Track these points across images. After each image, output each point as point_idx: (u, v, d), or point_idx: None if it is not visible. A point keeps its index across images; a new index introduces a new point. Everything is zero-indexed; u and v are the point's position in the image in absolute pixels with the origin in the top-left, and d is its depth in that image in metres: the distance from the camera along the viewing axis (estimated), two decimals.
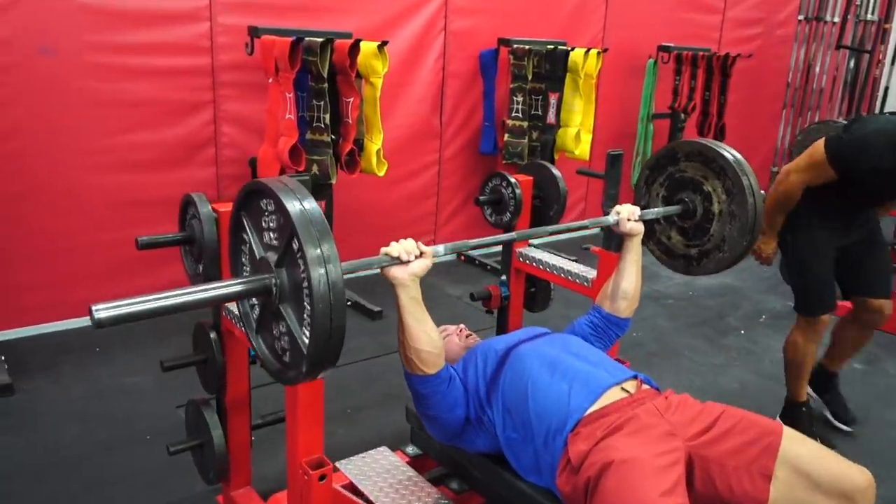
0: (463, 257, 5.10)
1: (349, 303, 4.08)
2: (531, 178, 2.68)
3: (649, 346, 3.82)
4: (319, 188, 3.66)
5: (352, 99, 3.40)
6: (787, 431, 1.63)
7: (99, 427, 2.74)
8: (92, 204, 3.53)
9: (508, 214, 2.65)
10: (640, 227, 2.06)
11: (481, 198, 2.67)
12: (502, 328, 2.85)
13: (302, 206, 1.28)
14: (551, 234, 1.95)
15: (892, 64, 7.24)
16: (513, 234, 1.88)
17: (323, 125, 3.36)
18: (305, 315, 1.30)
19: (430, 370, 1.72)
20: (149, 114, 3.62)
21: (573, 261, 2.63)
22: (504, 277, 2.79)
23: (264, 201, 1.39)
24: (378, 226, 4.62)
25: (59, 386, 3.04)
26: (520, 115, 4.65)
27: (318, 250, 1.25)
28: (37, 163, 3.35)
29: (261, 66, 3.43)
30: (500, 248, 2.77)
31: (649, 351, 3.75)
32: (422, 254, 1.61)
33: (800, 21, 7.03)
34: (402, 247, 1.59)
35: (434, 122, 4.74)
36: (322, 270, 1.24)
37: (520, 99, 4.66)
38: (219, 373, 2.09)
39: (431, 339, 1.69)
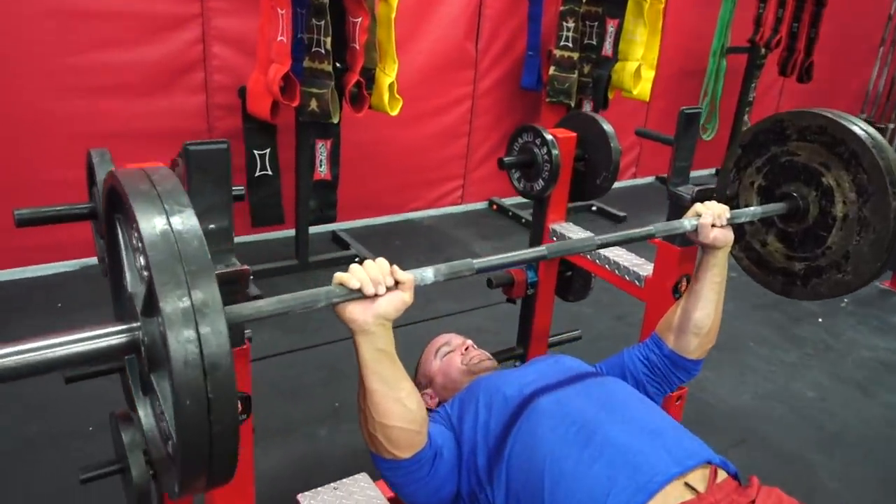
0: (495, 206, 4.49)
1: (357, 258, 3.54)
2: (574, 134, 2.04)
3: None
4: (323, 126, 3.07)
5: (360, 19, 2.76)
6: None
7: (35, 411, 2.28)
8: (57, 136, 3.00)
9: (541, 182, 2.03)
10: (730, 236, 1.44)
11: (506, 159, 2.05)
12: (526, 321, 2.28)
13: (168, 227, 0.77)
14: (600, 246, 1.33)
15: None
16: (542, 249, 1.26)
17: (323, 51, 2.74)
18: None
19: (403, 454, 1.18)
20: (124, 27, 3.03)
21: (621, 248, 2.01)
22: None
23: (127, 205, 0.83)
24: (398, 168, 4.03)
25: None
26: (570, 44, 3.92)
27: (186, 301, 0.73)
28: None
29: None
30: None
31: None
32: (398, 284, 1.05)
33: None
34: (366, 273, 1.02)
35: (468, 49, 4.06)
36: (191, 336, 0.72)
37: (571, 25, 3.91)
38: (144, 376, 1.58)
39: (407, 411, 1.14)
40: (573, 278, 2.30)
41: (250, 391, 1.24)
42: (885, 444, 2.52)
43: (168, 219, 0.78)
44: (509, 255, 1.22)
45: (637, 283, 1.88)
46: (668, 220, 1.78)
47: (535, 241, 2.16)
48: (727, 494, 1.14)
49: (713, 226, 1.41)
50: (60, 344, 0.78)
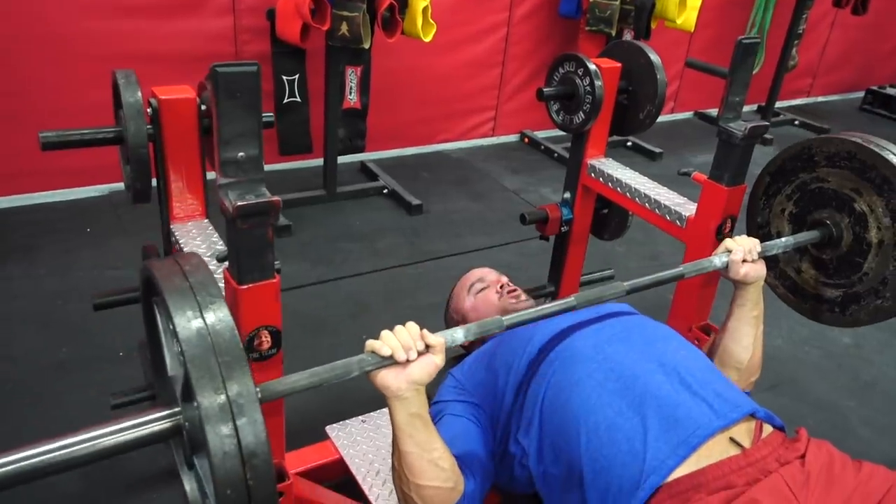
0: (527, 140, 4.37)
1: (385, 190, 3.49)
2: (618, 64, 1.94)
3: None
4: (353, 52, 2.97)
5: None
6: None
7: (64, 336, 2.29)
8: (82, 57, 2.93)
9: (582, 115, 1.94)
10: (761, 271, 1.41)
11: (546, 90, 1.95)
12: (559, 258, 2.22)
13: (202, 321, 0.81)
14: (629, 291, 1.28)
15: None
16: (570, 301, 1.17)
17: None
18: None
19: None
20: None
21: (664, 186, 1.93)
22: (567, 195, 2.12)
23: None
24: (428, 98, 3.92)
25: (30, 276, 2.60)
26: None
27: (223, 396, 0.77)
28: (12, 3, 2.74)
29: None
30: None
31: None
32: (428, 347, 1.04)
33: None
34: (397, 339, 1.03)
35: None
36: (228, 430, 0.76)
37: None
38: None
39: (440, 471, 1.12)
40: (609, 216, 2.23)
41: (280, 325, 1.21)
42: None
43: (201, 312, 0.81)
44: (537, 309, 1.20)
45: (678, 223, 1.80)
46: (716, 155, 1.69)
47: (572, 178, 2.09)
48: (774, 449, 1.09)
49: (744, 261, 1.37)
50: (108, 434, 0.81)
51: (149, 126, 1.38)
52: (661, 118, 1.94)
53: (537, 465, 1.22)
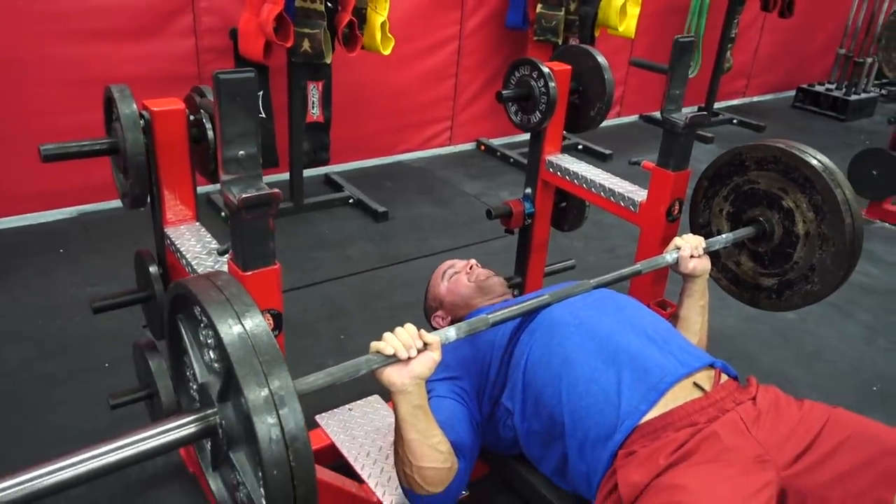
0: (483, 147, 4.54)
1: (350, 200, 3.60)
2: (569, 67, 2.11)
3: None
4: (314, 68, 3.09)
5: None
6: None
7: (49, 351, 2.35)
8: (43, 81, 2.98)
9: (538, 115, 2.10)
10: (707, 265, 1.59)
11: (504, 92, 2.10)
12: (524, 250, 2.37)
13: (242, 327, 0.92)
14: (595, 286, 1.44)
15: None
16: (545, 298, 1.35)
17: None
18: (260, 476, 0.91)
19: (436, 489, 1.29)
20: None
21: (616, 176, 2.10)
22: (528, 190, 2.28)
23: (197, 309, 0.99)
24: (387, 110, 4.06)
25: (9, 296, 2.63)
26: None
27: (266, 390, 0.88)
28: None
29: None
30: (526, 137, 2.20)
31: None
32: (426, 345, 1.16)
33: None
34: (398, 340, 1.14)
35: None
36: (273, 420, 0.88)
37: None
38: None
39: (439, 454, 1.25)
40: (568, 208, 2.39)
41: (282, 308, 1.32)
42: (860, 359, 2.68)
43: (240, 321, 0.92)
44: (517, 307, 1.33)
45: (632, 208, 1.97)
46: (662, 145, 1.87)
47: (532, 174, 2.24)
48: (730, 392, 1.25)
49: (692, 256, 1.54)
50: (145, 438, 0.92)
51: (142, 135, 1.48)
52: (608, 122, 2.12)
53: (521, 423, 1.36)
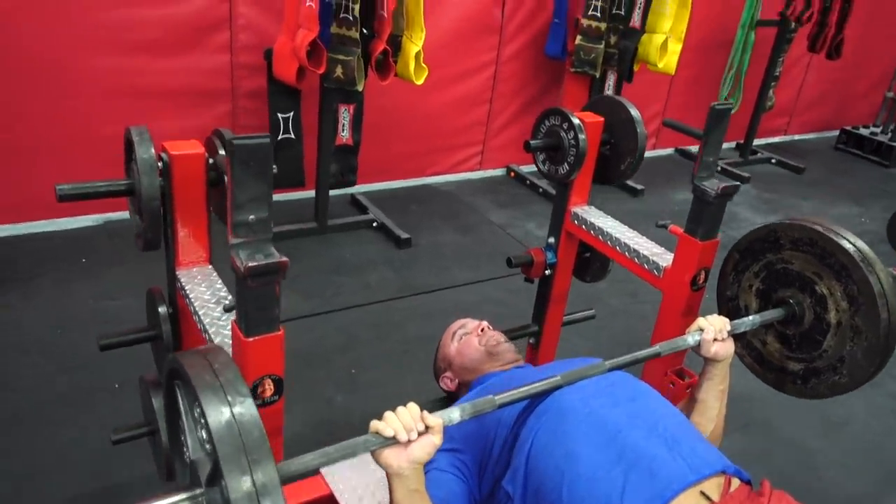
0: (513, 174, 4.49)
1: (374, 223, 3.58)
2: (601, 119, 2.05)
3: None
4: (347, 92, 3.08)
5: None
6: None
7: (63, 366, 2.35)
8: (85, 90, 3.02)
9: (566, 166, 2.05)
10: (730, 349, 1.51)
11: (533, 142, 2.06)
12: (542, 300, 2.32)
13: (230, 413, 0.89)
14: (610, 369, 1.39)
15: None
16: (556, 379, 1.28)
17: (352, 17, 2.73)
18: None
19: None
20: None
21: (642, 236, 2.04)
22: (551, 240, 2.23)
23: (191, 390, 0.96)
24: (418, 133, 4.04)
25: (30, 305, 2.66)
26: (598, 14, 3.86)
27: (248, 482, 0.85)
28: (19, 38, 2.82)
29: None
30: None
31: None
32: (428, 428, 1.11)
33: None
34: (399, 421, 1.10)
35: (495, 14, 4.01)
36: None
37: None
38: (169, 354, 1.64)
39: None
40: (592, 259, 2.33)
41: (283, 374, 1.29)
42: (887, 434, 2.58)
43: (230, 407, 0.89)
44: (528, 387, 1.28)
45: (655, 272, 1.91)
46: (691, 211, 1.81)
47: (556, 224, 2.19)
48: (740, 503, 1.19)
49: (714, 339, 1.47)
50: None
51: (159, 178, 1.47)
52: None
53: None
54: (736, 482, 1.25)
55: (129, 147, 1.49)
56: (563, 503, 1.21)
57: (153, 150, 1.42)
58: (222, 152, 1.50)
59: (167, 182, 1.48)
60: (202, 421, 0.98)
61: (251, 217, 1.16)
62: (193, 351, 1.04)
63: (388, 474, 1.14)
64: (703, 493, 1.18)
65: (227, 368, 0.96)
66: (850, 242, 1.55)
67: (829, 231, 1.57)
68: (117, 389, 2.28)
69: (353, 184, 3.51)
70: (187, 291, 1.52)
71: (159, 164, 1.47)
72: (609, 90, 4.11)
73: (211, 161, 1.52)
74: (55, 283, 2.79)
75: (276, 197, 3.54)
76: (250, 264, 1.13)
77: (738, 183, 1.76)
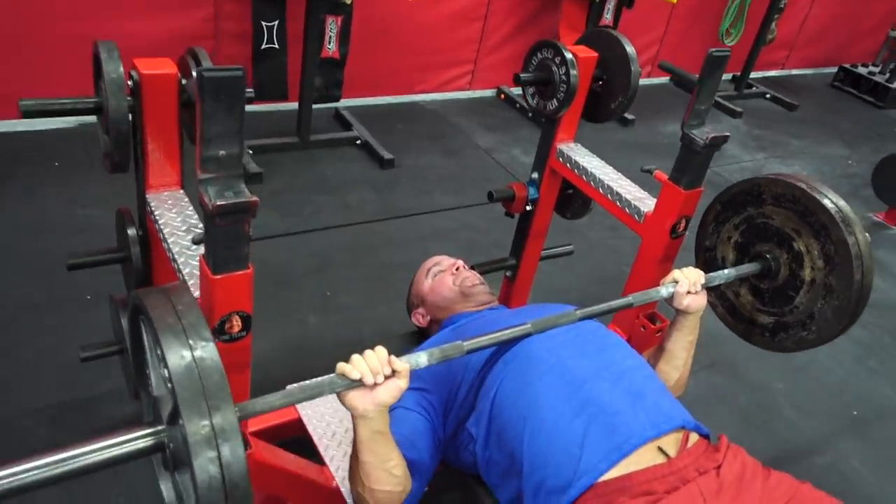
0: (503, 96, 4.38)
1: (358, 141, 3.51)
2: (595, 54, 1.98)
3: None
4: (335, 2, 2.94)
5: None
6: None
7: (33, 275, 2.32)
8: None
9: (555, 102, 1.99)
10: (702, 302, 1.51)
11: (523, 75, 1.99)
12: (522, 235, 2.30)
13: (192, 357, 0.89)
14: (580, 318, 1.37)
15: None
16: (527, 327, 1.27)
17: None
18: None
19: None
20: None
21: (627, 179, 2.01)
22: (535, 175, 2.19)
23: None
24: (407, 48, 3.90)
25: (2, 209, 2.59)
26: None
27: (207, 424, 0.85)
28: None
29: None
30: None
31: None
32: (394, 372, 1.10)
33: None
34: (366, 364, 1.08)
35: None
36: (212, 455, 0.84)
37: None
38: (138, 277, 1.62)
39: (393, 478, 1.22)
40: (574, 197, 2.30)
41: (251, 310, 1.27)
42: (847, 379, 2.65)
43: (191, 350, 0.88)
44: (497, 334, 1.27)
45: (636, 217, 1.88)
46: (677, 159, 1.77)
47: (541, 160, 2.15)
48: (696, 459, 1.21)
49: (688, 293, 1.47)
50: (96, 451, 0.89)
51: (129, 97, 1.40)
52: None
53: (483, 451, 1.34)
54: (694, 437, 1.28)
55: (97, 63, 1.41)
56: (524, 450, 1.23)
57: (122, 69, 1.35)
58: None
59: (137, 102, 1.41)
60: (164, 363, 0.97)
61: (221, 152, 1.11)
62: (157, 289, 1.01)
63: (352, 416, 1.15)
64: (660, 449, 1.20)
65: (190, 311, 0.94)
66: (832, 202, 1.54)
67: (813, 189, 1.56)
68: (89, 301, 2.27)
69: (337, 99, 3.41)
70: (157, 217, 1.48)
71: (129, 82, 1.40)
72: (608, 14, 3.97)
73: (184, 82, 1.46)
74: (26, 188, 2.73)
75: (258, 108, 3.50)
76: (219, 202, 1.09)
77: (726, 134, 1.72)
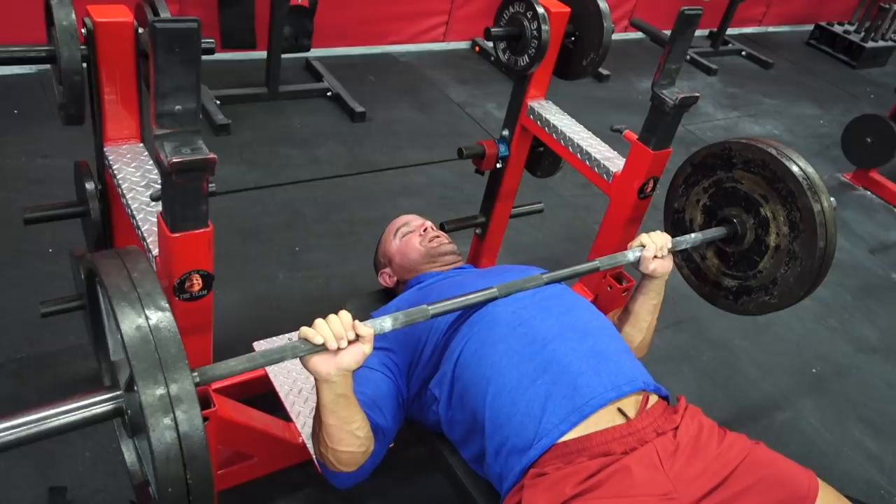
0: (478, 49, 4.31)
1: (329, 93, 3.44)
2: (567, 9, 1.94)
3: None
4: None
5: None
6: (825, 492, 1.20)
7: None
8: None
9: (527, 58, 1.95)
10: (668, 266, 1.51)
11: (494, 30, 1.95)
12: (492, 192, 2.29)
13: (147, 325, 0.88)
14: (547, 281, 1.35)
15: None
16: (493, 291, 1.26)
17: None
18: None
19: (349, 469, 1.27)
20: None
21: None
22: (505, 132, 2.16)
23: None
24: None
25: None
26: None
27: (164, 394, 0.85)
28: None
29: None
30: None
31: None
32: (358, 337, 1.08)
33: None
34: (329, 329, 1.06)
35: None
36: (169, 423, 0.84)
37: None
38: (97, 233, 1.59)
39: (356, 438, 1.22)
40: (544, 155, 2.29)
41: (212, 269, 1.25)
42: (807, 337, 2.71)
43: (145, 316, 0.88)
44: (463, 298, 1.25)
45: (605, 177, 1.88)
46: (647, 119, 1.76)
47: (511, 117, 2.12)
48: (654, 420, 1.23)
49: (655, 256, 1.47)
50: (54, 415, 0.87)
51: (83, 46, 1.35)
52: (613, 37, 1.96)
53: (446, 411, 1.35)
54: (654, 398, 1.30)
55: (48, 9, 1.35)
56: (486, 411, 1.25)
57: (74, 16, 1.30)
58: None
59: (91, 52, 1.36)
60: (119, 332, 0.96)
61: (177, 107, 1.08)
62: (112, 253, 0.99)
63: (316, 380, 1.14)
64: (620, 410, 1.22)
65: (146, 278, 0.93)
66: (801, 168, 1.54)
67: (782, 155, 1.56)
68: (51, 254, 2.23)
69: (307, 49, 3.32)
70: (115, 171, 1.44)
71: (83, 30, 1.35)
72: None
73: (141, 31, 1.40)
74: None
75: (225, 56, 3.40)
76: (175, 159, 1.06)
77: (696, 94, 1.71)
